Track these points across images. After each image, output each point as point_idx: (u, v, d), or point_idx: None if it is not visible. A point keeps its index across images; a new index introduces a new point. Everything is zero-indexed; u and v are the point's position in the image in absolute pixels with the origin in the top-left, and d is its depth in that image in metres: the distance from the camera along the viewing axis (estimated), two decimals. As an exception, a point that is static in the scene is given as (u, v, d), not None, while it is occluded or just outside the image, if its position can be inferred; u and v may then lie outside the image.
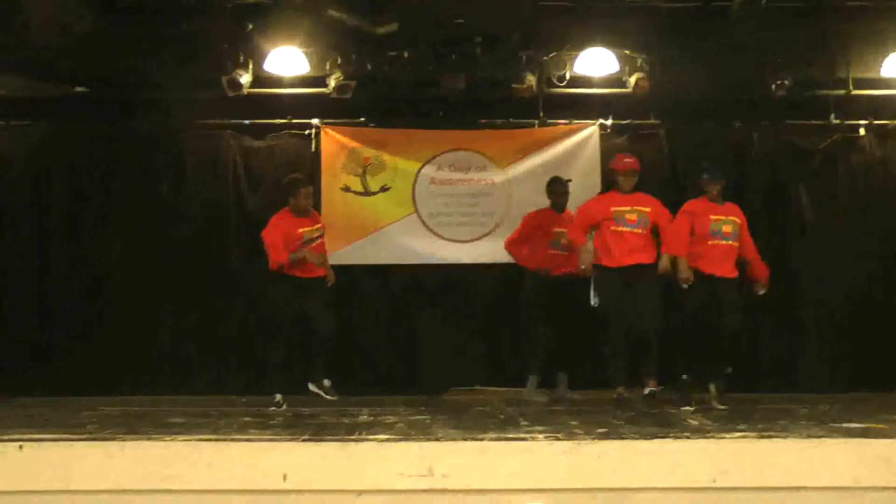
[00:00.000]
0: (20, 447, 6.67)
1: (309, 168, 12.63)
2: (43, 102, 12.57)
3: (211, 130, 12.95)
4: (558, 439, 6.86)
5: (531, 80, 12.11)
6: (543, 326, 11.20)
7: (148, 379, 12.31)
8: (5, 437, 6.92)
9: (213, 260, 12.59)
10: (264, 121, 12.94)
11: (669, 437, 6.92)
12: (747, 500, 6.62)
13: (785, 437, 6.99)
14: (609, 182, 10.43)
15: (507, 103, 12.61)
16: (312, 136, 12.89)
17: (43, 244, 12.72)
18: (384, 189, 12.88)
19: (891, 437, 6.92)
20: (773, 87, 11.96)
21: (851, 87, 12.45)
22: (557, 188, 11.35)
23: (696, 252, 9.94)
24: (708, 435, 7.11)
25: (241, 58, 11.92)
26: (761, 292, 10.24)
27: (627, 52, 12.11)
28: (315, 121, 12.86)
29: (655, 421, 8.31)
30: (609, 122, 12.92)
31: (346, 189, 12.82)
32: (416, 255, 12.83)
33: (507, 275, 11.95)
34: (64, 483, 6.61)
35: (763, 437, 7.01)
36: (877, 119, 12.92)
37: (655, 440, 6.82)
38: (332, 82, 12.11)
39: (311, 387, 10.21)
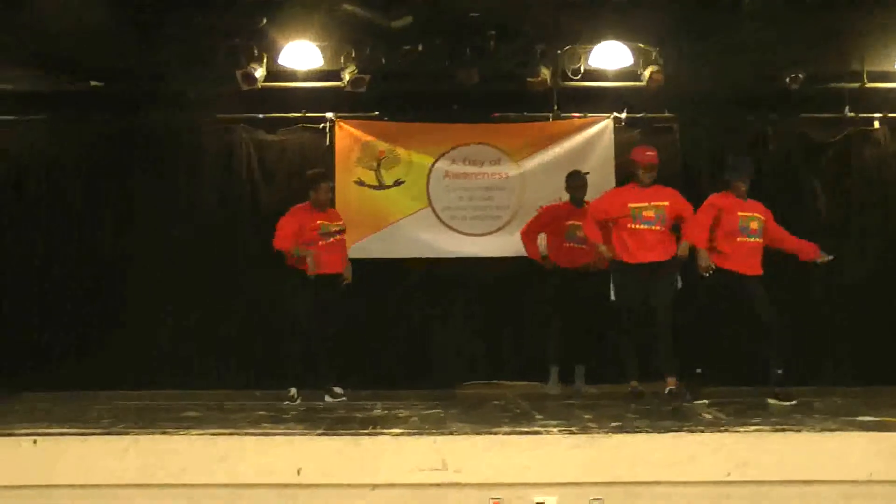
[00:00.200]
0: (34, 442, 6.69)
1: (323, 162, 12.63)
2: (56, 97, 12.59)
3: (225, 124, 12.96)
4: (572, 433, 6.86)
5: (545, 73, 12.08)
6: (561, 318, 11.22)
7: (162, 374, 12.33)
8: (19, 432, 6.95)
9: (226, 254, 12.60)
10: (278, 115, 12.94)
11: (684, 431, 6.92)
12: (762, 493, 6.63)
13: (799, 431, 6.98)
14: (627, 174, 10.34)
15: (521, 97, 12.59)
16: (327, 129, 12.88)
17: (57, 240, 12.73)
18: (398, 183, 12.88)
19: (905, 431, 6.92)
20: (787, 80, 11.95)
21: (866, 80, 12.40)
22: (576, 182, 11.36)
23: (724, 250, 9.75)
24: (722, 429, 7.09)
25: (256, 52, 11.90)
26: (828, 258, 10.07)
27: (642, 45, 12.07)
28: (329, 114, 12.86)
29: (670, 415, 8.30)
30: (623, 115, 12.90)
31: (361, 183, 12.82)
32: (430, 249, 12.81)
33: (522, 268, 11.94)
34: (79, 477, 6.64)
35: (777, 430, 7.00)
36: (891, 112, 12.89)
37: (670, 434, 6.82)
38: (346, 76, 12.09)
39: (326, 397, 10.22)
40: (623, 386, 10.32)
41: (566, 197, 11.54)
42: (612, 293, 10.21)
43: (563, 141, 12.84)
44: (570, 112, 12.91)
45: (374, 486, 6.60)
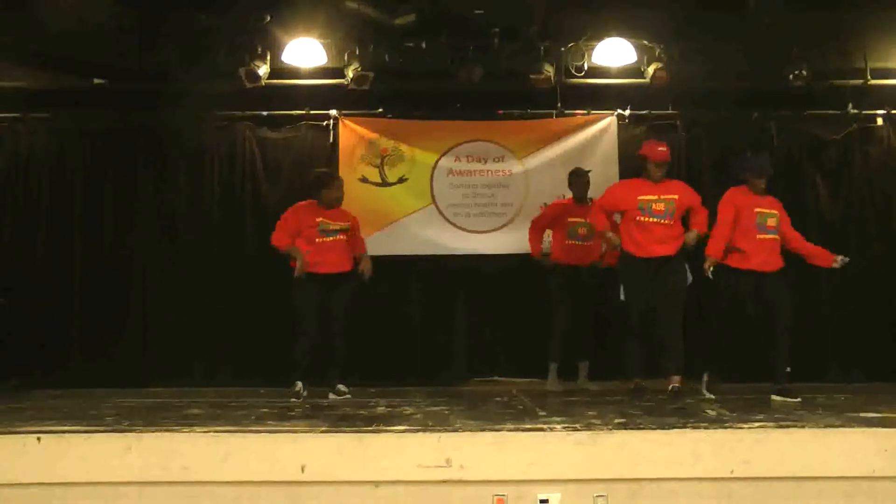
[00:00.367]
0: (38, 439, 6.69)
1: (327, 159, 12.67)
2: (58, 95, 12.61)
3: (229, 122, 12.98)
4: (576, 430, 6.85)
5: (549, 70, 12.09)
6: (563, 315, 11.23)
7: (164, 371, 12.36)
8: (24, 430, 6.95)
9: (230, 251, 12.62)
10: (282, 112, 12.97)
11: (687, 428, 6.92)
12: (765, 490, 6.62)
13: (802, 427, 6.98)
14: (637, 168, 10.17)
15: (524, 94, 12.61)
16: (330, 127, 12.92)
17: (60, 236, 12.75)
18: (402, 180, 12.89)
19: (909, 427, 6.91)
20: (791, 77, 11.94)
21: (869, 77, 12.41)
22: (578, 179, 11.37)
23: (743, 248, 9.62)
24: (726, 425, 7.08)
25: (259, 49, 11.93)
26: (844, 261, 9.76)
27: (645, 42, 12.09)
28: (333, 112, 12.89)
29: (673, 411, 8.29)
30: (627, 112, 12.91)
31: (364, 180, 12.84)
32: (434, 247, 12.83)
33: (526, 265, 11.92)
34: (82, 475, 6.63)
35: (781, 427, 6.99)
36: (894, 109, 12.88)
37: (673, 430, 6.82)
38: (349, 73, 12.10)
39: (331, 395, 10.22)
40: (627, 382, 10.33)
41: (570, 194, 11.55)
42: (621, 293, 10.18)
43: (566, 138, 12.86)
44: (574, 109, 12.94)
45: (378, 484, 6.60)
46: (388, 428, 7.11)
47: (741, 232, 9.65)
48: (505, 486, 6.57)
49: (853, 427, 6.99)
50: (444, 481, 6.56)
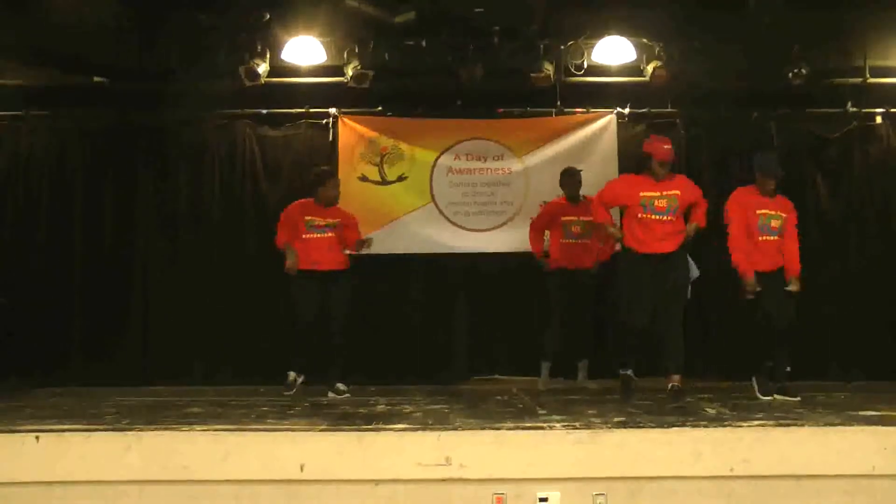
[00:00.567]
0: (37, 438, 6.70)
1: (326, 158, 12.67)
2: (59, 93, 12.63)
3: (229, 120, 12.99)
4: (576, 428, 6.85)
5: (549, 68, 12.09)
6: (559, 316, 11.22)
7: (165, 370, 12.38)
8: (23, 428, 6.95)
9: (231, 250, 12.63)
10: (282, 110, 12.98)
11: (687, 427, 6.92)
12: (765, 488, 6.62)
13: (802, 426, 6.98)
14: (640, 163, 10.06)
15: (524, 92, 12.62)
16: (330, 125, 12.92)
17: (60, 235, 12.77)
18: (401, 178, 12.90)
19: (908, 426, 6.91)
20: (790, 75, 11.94)
21: (868, 76, 12.41)
22: (570, 179, 11.34)
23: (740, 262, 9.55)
24: (725, 424, 7.09)
25: (259, 47, 11.93)
26: (792, 289, 9.58)
27: (645, 40, 12.09)
28: (332, 110, 12.90)
29: (673, 410, 8.29)
30: (626, 110, 12.92)
31: (364, 179, 12.85)
32: (433, 245, 12.84)
33: (526, 263, 11.92)
34: (82, 474, 6.63)
35: (780, 425, 7.00)
36: (893, 107, 12.89)
37: (673, 429, 6.82)
38: (349, 72, 12.11)
39: (330, 394, 10.23)
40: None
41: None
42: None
43: (566, 136, 12.87)
44: (574, 108, 12.95)
45: (378, 482, 6.60)
46: (388, 426, 7.11)
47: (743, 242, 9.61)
48: (504, 485, 6.57)
49: (853, 425, 6.99)
50: (444, 480, 6.56)
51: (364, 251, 10.62)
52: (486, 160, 12.98)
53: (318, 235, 10.35)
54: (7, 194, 12.85)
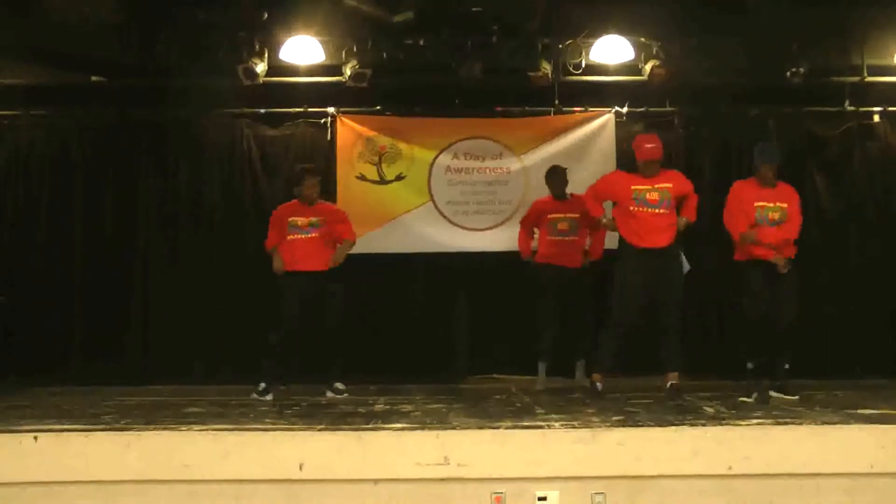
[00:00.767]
0: (35, 438, 6.70)
1: (325, 157, 12.69)
2: (57, 91, 12.63)
3: (228, 119, 12.99)
4: (575, 427, 6.86)
5: (547, 67, 12.09)
6: (549, 315, 11.20)
7: (164, 370, 12.38)
8: (21, 428, 6.96)
9: (229, 248, 12.63)
10: (280, 109, 12.99)
11: (686, 425, 6.93)
12: (764, 486, 6.63)
13: (800, 424, 6.99)
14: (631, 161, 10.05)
15: (523, 91, 12.61)
16: (328, 124, 12.93)
17: (61, 234, 12.78)
18: (400, 178, 12.90)
19: (907, 424, 6.92)
20: (789, 73, 11.94)
21: (866, 74, 12.41)
22: (554, 176, 11.30)
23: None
24: (724, 422, 7.10)
25: (257, 46, 11.91)
26: (783, 267, 9.31)
27: (643, 39, 12.09)
28: (331, 109, 12.91)
29: (672, 409, 8.30)
30: (624, 109, 12.92)
31: (362, 178, 12.86)
32: (432, 244, 12.85)
33: (524, 262, 11.92)
34: (81, 473, 6.63)
35: (779, 423, 7.01)
36: (891, 106, 12.90)
37: (672, 428, 6.83)
38: (347, 71, 12.09)
39: (328, 393, 10.22)
40: (625, 380, 10.33)
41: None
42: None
43: (564, 135, 12.88)
44: (572, 106, 12.95)
45: (377, 482, 6.61)
46: (387, 426, 7.13)
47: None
48: (503, 484, 6.58)
49: (852, 423, 7.00)
50: (443, 479, 6.57)
51: (341, 261, 10.47)
52: (484, 159, 13.00)
53: (302, 237, 10.24)
54: (7, 193, 12.86)
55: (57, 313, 12.62)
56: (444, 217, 12.88)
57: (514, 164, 12.93)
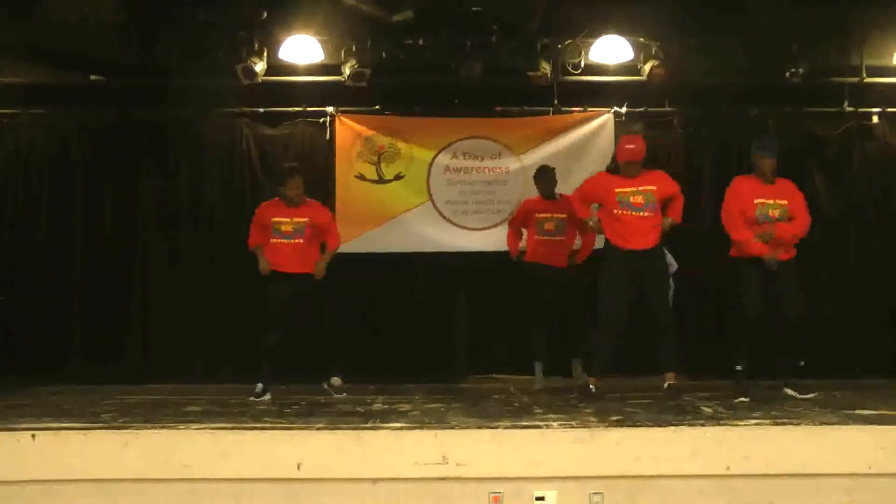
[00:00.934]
0: (33, 436, 6.70)
1: (324, 156, 12.70)
2: (57, 91, 12.63)
3: (227, 118, 12.98)
4: (573, 427, 6.87)
5: (546, 67, 12.09)
6: (539, 313, 11.19)
7: (163, 368, 12.38)
8: (19, 427, 6.96)
9: (228, 248, 12.61)
10: (279, 109, 12.98)
11: (684, 425, 6.93)
12: (762, 486, 6.64)
13: (799, 424, 6.99)
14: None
15: (522, 91, 12.61)
16: (327, 123, 12.92)
17: (60, 233, 12.78)
18: (399, 177, 12.89)
19: (905, 424, 6.93)
20: (788, 74, 11.94)
21: (865, 75, 12.41)
22: (543, 175, 11.27)
23: (746, 237, 9.30)
24: (722, 422, 7.10)
25: (256, 45, 11.90)
26: (773, 264, 9.22)
27: (642, 39, 12.09)
28: (330, 109, 12.89)
29: (670, 409, 8.29)
30: (623, 109, 12.91)
31: (361, 177, 12.85)
32: (431, 244, 12.84)
33: (519, 262, 11.91)
34: (79, 472, 6.64)
35: (777, 424, 7.01)
36: (890, 107, 12.90)
37: (670, 428, 6.83)
38: (346, 70, 12.10)
39: (324, 385, 10.20)
40: (623, 380, 10.32)
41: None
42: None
43: (563, 135, 12.87)
44: (571, 106, 12.94)
45: (376, 481, 6.62)
46: (386, 425, 7.13)
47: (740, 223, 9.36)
48: (501, 484, 6.59)
49: (851, 424, 7.01)
50: (441, 478, 6.58)
51: (323, 273, 10.35)
52: (483, 159, 12.99)
53: (286, 241, 10.09)
54: (7, 193, 12.85)
55: (57, 313, 12.61)
56: (443, 216, 12.88)
57: (513, 163, 12.93)
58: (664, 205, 9.61)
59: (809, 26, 11.65)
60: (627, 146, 9.59)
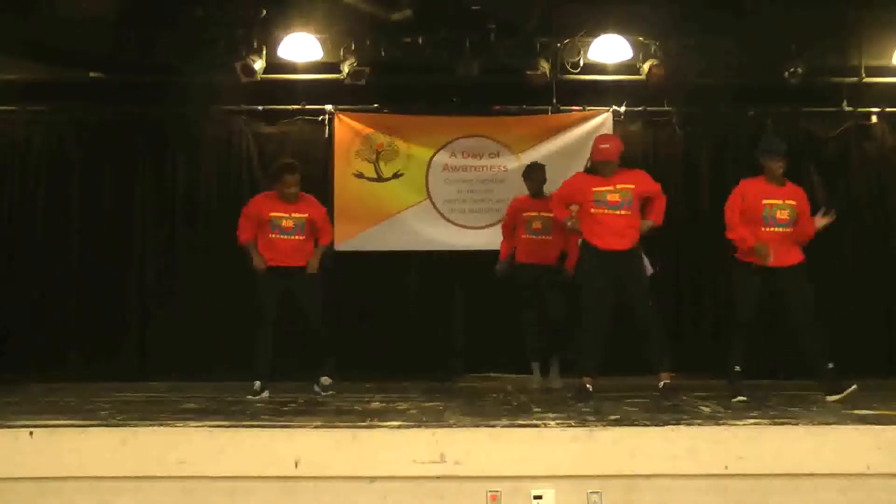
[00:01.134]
0: (30, 433, 6.69)
1: (322, 154, 12.69)
2: (55, 88, 12.63)
3: (225, 116, 12.99)
4: (571, 426, 6.86)
5: (545, 66, 12.10)
6: (530, 314, 11.15)
7: (161, 365, 12.38)
8: (17, 424, 6.95)
9: (227, 246, 12.58)
10: (278, 107, 12.98)
11: (682, 425, 6.92)
12: (760, 486, 6.63)
13: (796, 424, 6.98)
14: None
15: (521, 90, 12.60)
16: (326, 122, 12.93)
17: (57, 230, 12.78)
18: (397, 175, 12.90)
19: (903, 424, 6.92)
20: (787, 73, 11.94)
21: (863, 75, 12.42)
22: (533, 173, 11.23)
23: (750, 241, 9.18)
24: (720, 422, 7.09)
25: (255, 43, 11.91)
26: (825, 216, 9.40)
27: (641, 38, 12.10)
28: (329, 107, 12.90)
29: (668, 408, 8.28)
30: (622, 108, 12.91)
31: (360, 175, 12.86)
32: (429, 242, 12.86)
33: (512, 263, 11.88)
34: (76, 469, 6.63)
35: (775, 423, 7.00)
36: (889, 106, 12.91)
37: (668, 427, 6.82)
38: (345, 68, 12.11)
39: (314, 386, 10.16)
40: (620, 379, 10.31)
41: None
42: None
43: (562, 134, 12.87)
44: (570, 105, 12.94)
45: (373, 479, 6.61)
46: (383, 423, 7.11)
47: (746, 224, 9.24)
48: (499, 482, 6.58)
49: (847, 424, 6.99)
50: (439, 477, 6.57)
51: (317, 267, 10.29)
52: (482, 157, 13.00)
53: (285, 237, 10.00)
54: (4, 190, 12.85)
55: (54, 310, 12.62)
56: (441, 215, 12.89)
57: (511, 162, 12.92)
58: (644, 204, 9.52)
59: (808, 26, 11.65)
60: (602, 145, 9.44)
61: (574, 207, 9.67)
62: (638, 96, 12.83)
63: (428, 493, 6.60)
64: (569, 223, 9.60)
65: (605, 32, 11.89)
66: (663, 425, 6.86)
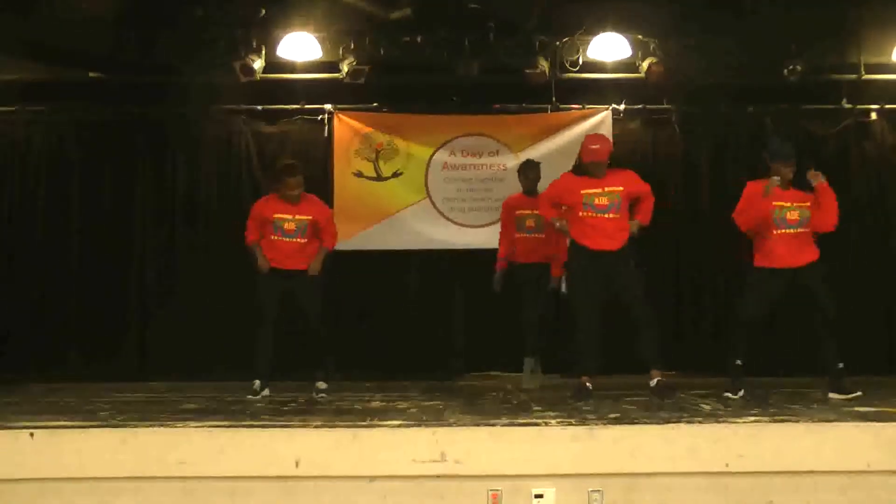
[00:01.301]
0: (31, 434, 6.69)
1: (322, 153, 12.69)
2: (55, 88, 12.64)
3: (225, 115, 12.99)
4: (571, 424, 6.86)
5: (544, 65, 12.10)
6: (527, 311, 11.13)
7: (161, 365, 12.38)
8: (17, 425, 6.95)
9: (227, 245, 12.59)
10: (277, 106, 12.98)
11: (682, 423, 6.91)
12: (760, 484, 6.63)
13: (797, 422, 6.98)
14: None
15: (520, 88, 12.59)
16: (325, 121, 12.93)
17: (57, 230, 12.78)
18: (397, 174, 12.91)
19: (903, 421, 6.91)
20: (786, 71, 11.94)
21: (863, 72, 12.42)
22: (527, 171, 11.20)
23: (763, 246, 9.22)
24: (721, 420, 7.08)
25: (255, 43, 11.91)
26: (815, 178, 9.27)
27: (640, 36, 12.09)
28: (328, 106, 12.90)
29: (668, 406, 8.28)
30: (622, 107, 12.91)
31: (359, 174, 12.86)
32: (429, 241, 12.86)
33: (509, 262, 11.87)
34: (77, 470, 6.63)
35: (775, 421, 7.00)
36: (888, 104, 12.90)
37: (668, 425, 6.82)
38: (345, 67, 12.10)
39: (314, 394, 10.13)
40: (620, 378, 10.29)
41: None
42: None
43: (561, 132, 12.88)
44: (569, 104, 12.94)
45: (373, 478, 6.61)
46: (383, 422, 7.10)
47: (757, 227, 9.24)
48: (500, 481, 6.58)
49: (848, 421, 6.99)
50: (439, 476, 6.57)
51: (319, 269, 10.25)
52: (481, 156, 13.01)
53: (287, 240, 9.94)
54: (4, 189, 12.85)
55: (54, 310, 12.62)
56: (441, 214, 12.90)
57: (510, 161, 12.89)
58: (633, 204, 9.44)
59: (807, 24, 11.65)
60: (592, 146, 9.33)
61: (563, 208, 9.58)
62: (637, 94, 12.84)
63: (428, 492, 6.61)
64: (557, 224, 9.51)
65: (604, 31, 11.87)
66: (663, 423, 6.86)
